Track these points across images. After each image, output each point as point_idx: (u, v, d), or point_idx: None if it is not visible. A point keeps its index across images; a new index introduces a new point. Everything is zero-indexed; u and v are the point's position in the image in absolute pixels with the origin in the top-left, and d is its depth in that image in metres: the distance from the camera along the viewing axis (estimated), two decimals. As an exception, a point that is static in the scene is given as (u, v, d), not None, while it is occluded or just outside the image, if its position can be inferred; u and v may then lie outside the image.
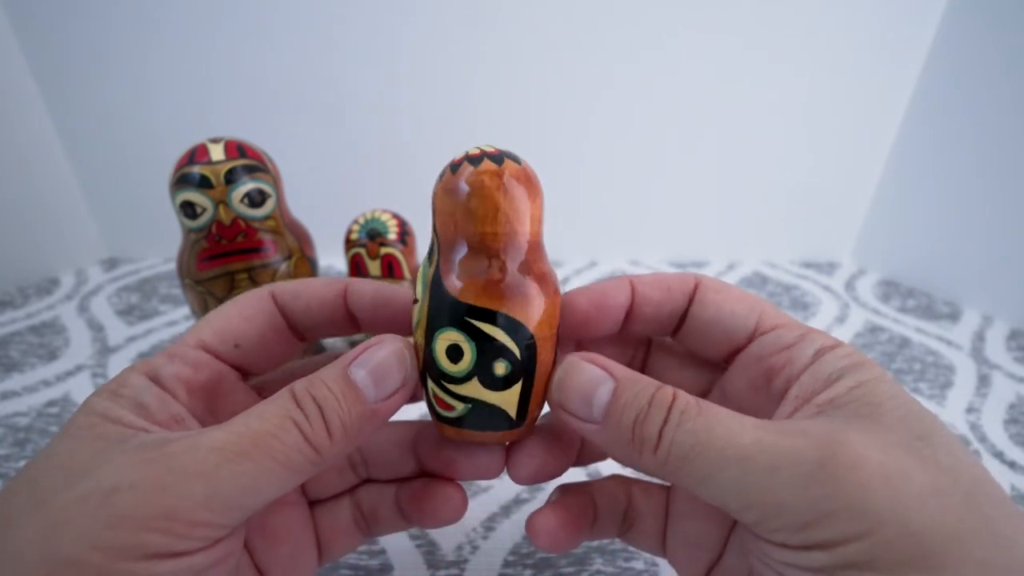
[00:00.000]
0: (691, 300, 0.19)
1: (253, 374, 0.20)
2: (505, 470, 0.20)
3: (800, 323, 0.18)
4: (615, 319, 0.19)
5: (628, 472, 0.23)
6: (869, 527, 0.12)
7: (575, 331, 0.19)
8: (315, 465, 0.15)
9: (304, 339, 0.20)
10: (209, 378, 0.18)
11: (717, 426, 0.14)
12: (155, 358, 0.17)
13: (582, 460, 0.23)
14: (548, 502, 0.21)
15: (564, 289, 0.19)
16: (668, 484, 0.21)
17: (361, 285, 0.19)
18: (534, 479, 0.20)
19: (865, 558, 0.12)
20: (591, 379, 0.16)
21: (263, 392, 0.20)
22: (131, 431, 0.14)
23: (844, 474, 0.13)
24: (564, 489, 0.21)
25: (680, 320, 0.19)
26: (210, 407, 0.18)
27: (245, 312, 0.19)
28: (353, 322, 0.20)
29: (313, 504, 0.21)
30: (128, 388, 0.16)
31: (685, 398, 0.15)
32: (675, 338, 0.20)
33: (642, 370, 0.22)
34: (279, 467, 0.14)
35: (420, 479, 0.21)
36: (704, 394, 0.21)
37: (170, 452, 0.13)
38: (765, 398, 0.17)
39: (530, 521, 0.20)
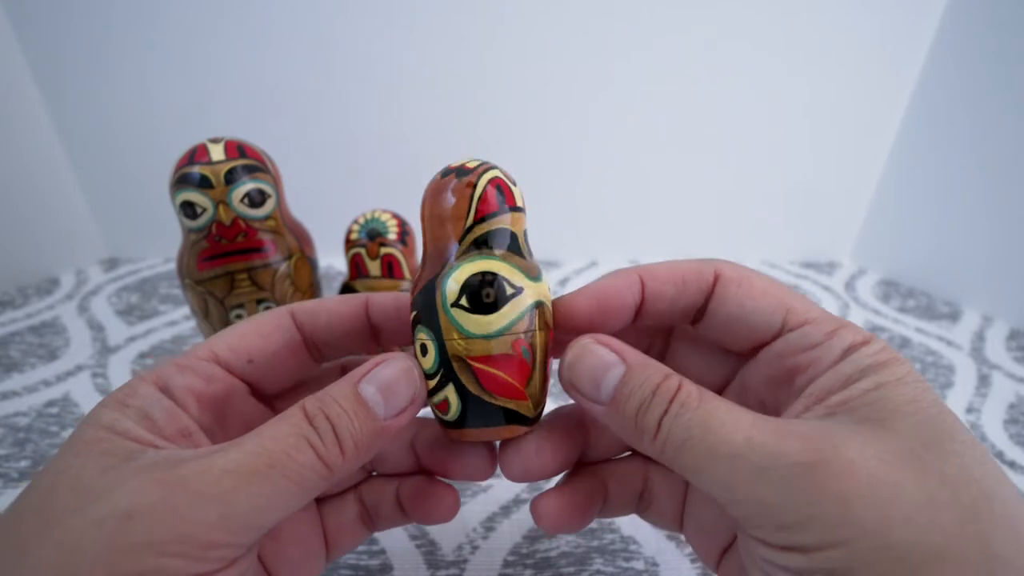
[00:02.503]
0: (710, 295, 0.18)
1: (264, 390, 0.20)
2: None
3: (832, 316, 0.17)
4: (623, 319, 0.19)
5: None
6: (848, 536, 0.12)
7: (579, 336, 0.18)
8: (327, 482, 0.15)
9: (321, 359, 0.21)
10: (220, 391, 0.18)
11: (712, 421, 0.14)
12: (166, 367, 0.17)
13: (589, 456, 0.22)
14: (556, 485, 0.21)
15: (562, 291, 0.19)
16: None
17: (382, 297, 0.20)
18: (524, 477, 0.20)
19: (841, 566, 0.12)
20: (602, 362, 0.16)
21: (273, 403, 0.20)
22: (139, 447, 0.14)
23: (830, 481, 0.13)
24: (574, 471, 0.21)
25: (699, 312, 0.19)
26: (219, 420, 0.18)
27: (262, 329, 0.19)
28: (374, 335, 0.20)
29: (320, 502, 0.21)
30: (136, 398, 0.16)
31: (688, 389, 0.15)
32: (695, 328, 0.20)
33: (661, 357, 0.21)
34: (293, 486, 0.14)
35: (419, 476, 0.21)
36: (725, 383, 0.20)
37: (183, 474, 0.13)
38: (786, 394, 0.17)
39: (533, 504, 0.20)
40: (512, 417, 0.18)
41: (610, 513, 0.22)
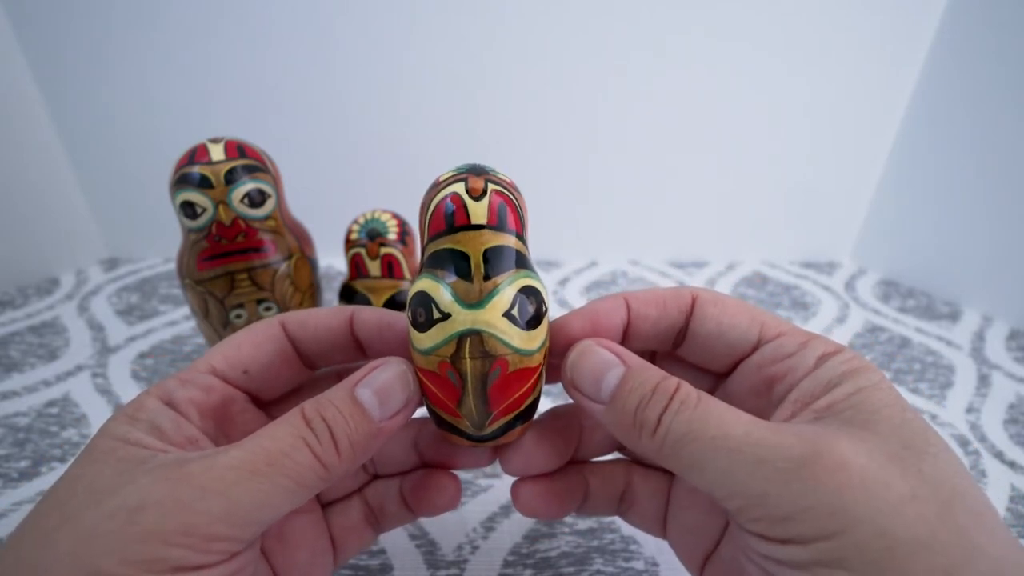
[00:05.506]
0: (689, 315, 0.19)
1: (262, 398, 0.20)
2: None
3: (802, 330, 0.18)
4: (614, 339, 0.19)
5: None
6: (844, 526, 0.13)
7: None
8: (324, 481, 0.16)
9: (313, 367, 0.21)
10: (220, 401, 0.18)
11: (712, 417, 0.15)
12: (168, 382, 0.18)
13: (581, 456, 0.23)
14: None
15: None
16: (670, 472, 0.22)
17: (365, 312, 0.20)
18: (523, 471, 0.20)
19: (837, 556, 0.13)
20: (603, 363, 0.17)
21: (271, 411, 0.21)
22: (149, 452, 0.15)
23: (827, 474, 0.13)
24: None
25: (679, 335, 0.20)
26: (222, 428, 0.19)
27: (255, 340, 0.19)
28: (359, 348, 0.21)
29: (325, 506, 0.22)
30: (144, 412, 0.16)
31: (688, 389, 0.16)
32: (677, 353, 0.21)
33: None
34: (291, 483, 0.15)
35: (420, 470, 0.22)
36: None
37: (189, 472, 0.14)
38: (766, 402, 0.18)
39: (514, 486, 0.21)
40: (452, 429, 0.18)
41: (591, 510, 0.23)
